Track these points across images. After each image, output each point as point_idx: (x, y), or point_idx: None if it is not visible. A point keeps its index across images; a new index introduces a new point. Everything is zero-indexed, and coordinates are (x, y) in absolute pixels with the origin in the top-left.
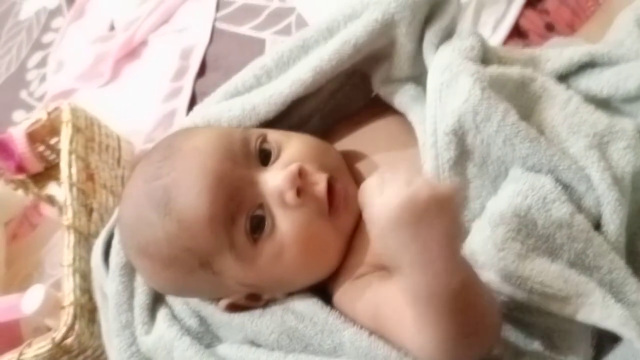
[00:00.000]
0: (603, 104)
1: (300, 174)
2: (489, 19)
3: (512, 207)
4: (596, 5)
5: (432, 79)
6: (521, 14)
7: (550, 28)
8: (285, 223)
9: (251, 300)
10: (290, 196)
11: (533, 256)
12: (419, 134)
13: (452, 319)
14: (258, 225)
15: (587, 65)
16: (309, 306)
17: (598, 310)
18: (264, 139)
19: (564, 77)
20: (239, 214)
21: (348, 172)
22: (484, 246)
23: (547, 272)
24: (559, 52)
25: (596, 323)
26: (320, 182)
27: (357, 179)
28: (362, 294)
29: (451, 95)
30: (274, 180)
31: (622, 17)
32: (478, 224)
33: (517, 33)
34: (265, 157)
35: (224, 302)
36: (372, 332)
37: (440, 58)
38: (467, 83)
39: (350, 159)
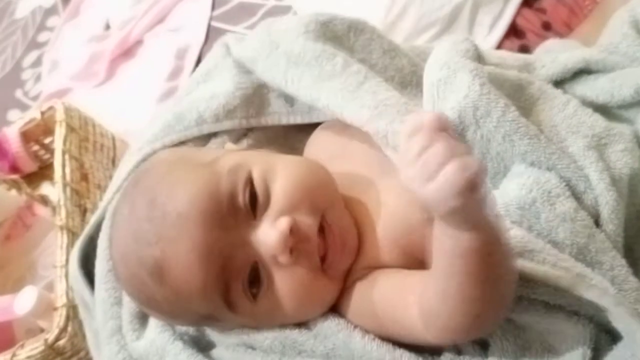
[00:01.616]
0: (599, 109)
1: (292, 230)
2: (485, 18)
3: (516, 200)
4: (593, 4)
5: (429, 76)
6: (518, 13)
7: (547, 27)
8: (281, 281)
9: None
10: (284, 259)
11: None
12: (389, 154)
13: (478, 275)
14: (254, 281)
15: (582, 72)
16: None
17: (611, 294)
18: (251, 185)
19: (559, 83)
20: (233, 278)
21: (340, 198)
22: None
23: (549, 249)
24: (553, 58)
25: (593, 299)
26: (311, 236)
27: (349, 189)
28: (358, 297)
29: (449, 92)
30: (265, 241)
31: (616, 18)
32: None
33: (514, 32)
34: (253, 204)
35: None
36: (370, 332)
37: (437, 56)
38: (466, 79)
39: (339, 176)
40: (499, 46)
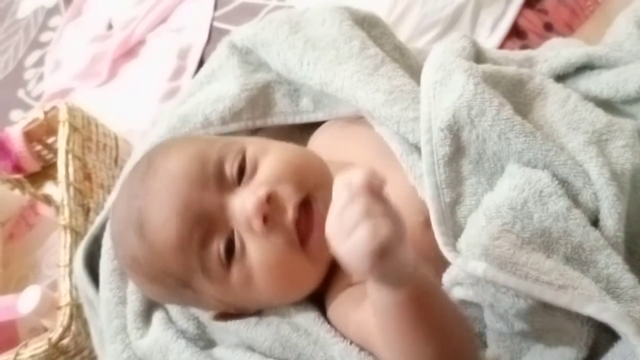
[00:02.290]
0: (603, 104)
1: (269, 199)
2: (487, 19)
3: (508, 201)
4: (595, 5)
5: (426, 78)
6: (520, 14)
7: (549, 28)
8: (254, 250)
9: (240, 309)
10: (256, 224)
11: (529, 249)
12: (393, 146)
13: (411, 331)
14: (230, 249)
15: (585, 67)
16: (305, 319)
17: (595, 302)
18: (242, 156)
19: (562, 77)
20: (209, 239)
21: (332, 183)
22: (479, 237)
23: (542, 263)
24: (556, 53)
25: (592, 315)
26: (289, 209)
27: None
28: (348, 309)
29: (445, 92)
30: (242, 206)
31: (622, 18)
32: (474, 217)
33: (516, 33)
34: (240, 176)
35: (213, 313)
36: (362, 348)
37: (432, 58)
38: (460, 79)
39: (337, 166)
40: (501, 47)
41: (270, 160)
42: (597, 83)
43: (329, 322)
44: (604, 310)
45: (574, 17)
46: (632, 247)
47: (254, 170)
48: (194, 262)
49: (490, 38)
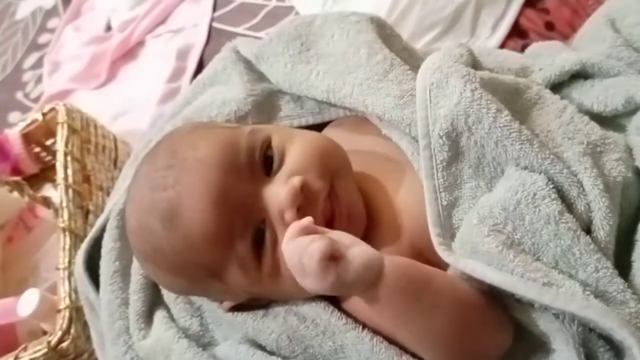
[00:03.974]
0: (595, 117)
1: (302, 188)
2: (488, 18)
3: (501, 201)
4: (597, 4)
5: (422, 80)
6: (521, 13)
7: (550, 27)
8: None
9: (254, 299)
10: (289, 215)
11: (518, 249)
12: (404, 146)
13: (410, 313)
14: (262, 239)
15: (580, 76)
16: (313, 307)
17: (578, 300)
18: (269, 145)
19: (557, 86)
20: (243, 229)
21: (351, 172)
22: (470, 234)
23: (529, 263)
24: (551, 61)
25: (575, 312)
26: (320, 201)
27: (360, 183)
28: None
29: (442, 96)
30: (276, 196)
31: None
32: (468, 216)
33: (517, 32)
34: (268, 165)
35: (227, 304)
36: (375, 333)
37: (430, 60)
38: (458, 85)
39: (355, 156)
40: (502, 46)
41: (297, 147)
42: (589, 97)
43: (340, 310)
44: (588, 307)
45: (575, 16)
46: (619, 260)
47: (282, 158)
48: (228, 253)
49: (491, 38)
